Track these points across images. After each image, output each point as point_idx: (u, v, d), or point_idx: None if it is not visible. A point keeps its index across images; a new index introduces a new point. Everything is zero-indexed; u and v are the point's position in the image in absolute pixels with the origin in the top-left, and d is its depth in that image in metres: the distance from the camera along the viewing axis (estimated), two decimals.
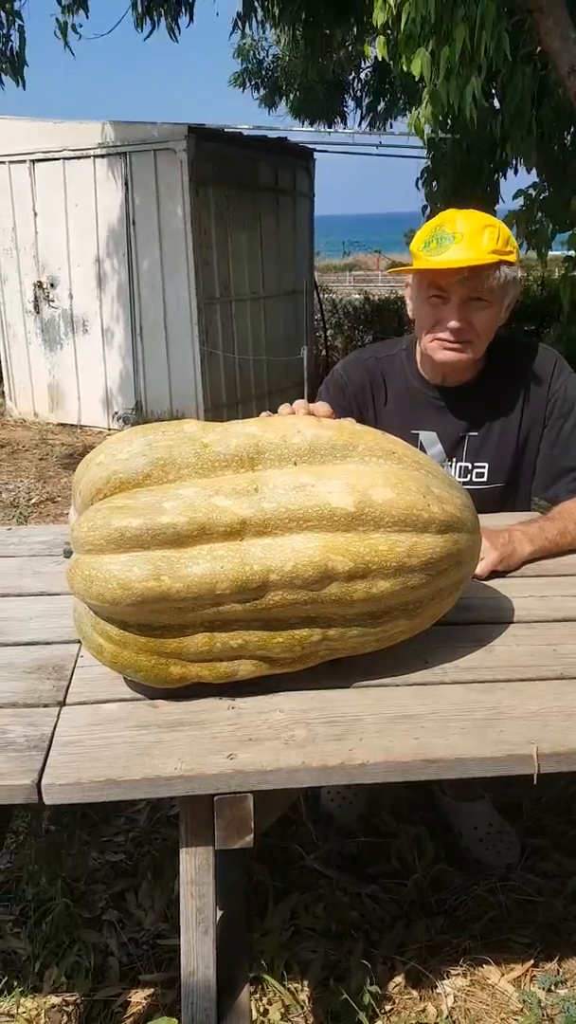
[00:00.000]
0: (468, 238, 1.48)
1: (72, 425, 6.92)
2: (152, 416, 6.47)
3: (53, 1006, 1.50)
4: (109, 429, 6.70)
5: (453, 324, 1.54)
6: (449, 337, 1.56)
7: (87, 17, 5.28)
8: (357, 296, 11.72)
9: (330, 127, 7.95)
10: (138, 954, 1.62)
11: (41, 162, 6.44)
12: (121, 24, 5.88)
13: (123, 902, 1.75)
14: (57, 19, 5.14)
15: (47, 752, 0.99)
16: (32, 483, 5.36)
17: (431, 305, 1.57)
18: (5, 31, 4.89)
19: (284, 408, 1.24)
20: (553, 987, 1.50)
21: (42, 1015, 1.48)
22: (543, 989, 1.50)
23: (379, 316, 9.69)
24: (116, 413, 6.66)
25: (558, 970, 1.56)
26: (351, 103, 7.40)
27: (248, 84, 8.08)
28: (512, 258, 1.51)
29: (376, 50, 4.03)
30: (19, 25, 4.97)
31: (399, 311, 9.34)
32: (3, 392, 7.43)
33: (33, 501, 4.99)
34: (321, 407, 1.23)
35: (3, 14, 4.84)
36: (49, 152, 6.37)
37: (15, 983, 1.53)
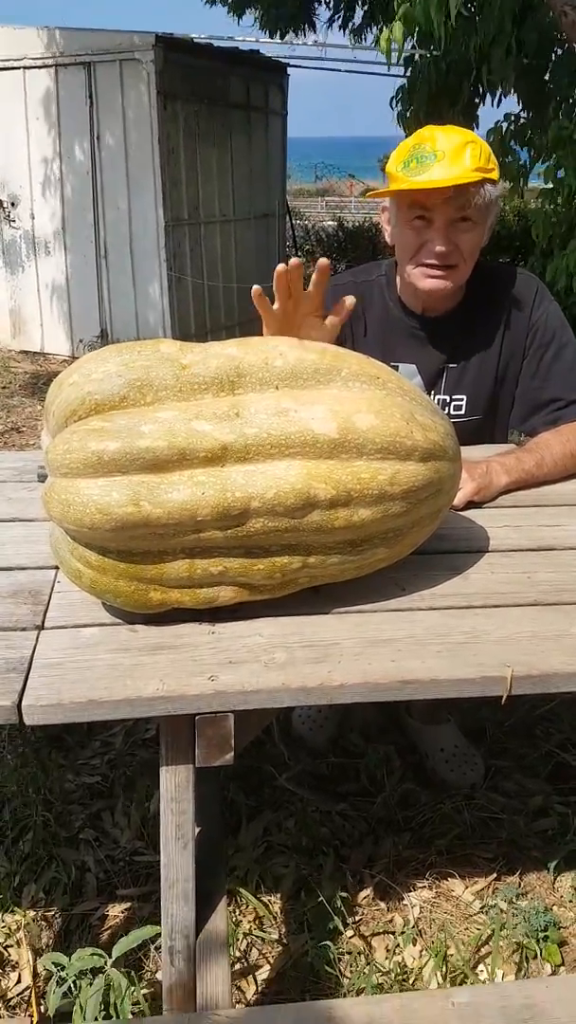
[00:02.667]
0: (451, 155, 1.43)
1: (35, 352, 6.74)
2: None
3: (32, 920, 1.54)
4: (73, 357, 6.53)
5: (439, 248, 1.50)
6: (434, 262, 1.52)
7: None
8: (330, 223, 11.45)
9: (299, 34, 7.57)
10: (115, 870, 1.66)
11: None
12: None
13: (99, 821, 1.79)
14: None
15: (27, 674, 0.99)
16: None
17: (414, 229, 1.52)
18: None
19: (279, 268, 1.22)
20: (515, 899, 1.58)
21: (21, 929, 1.52)
22: (505, 900, 1.57)
23: (353, 243, 9.48)
24: (81, 340, 6.49)
25: (519, 883, 1.64)
26: (323, 11, 7.03)
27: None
28: (495, 175, 1.47)
29: None
30: None
31: (374, 238, 9.15)
32: None
33: None
34: (323, 261, 1.23)
35: None
36: (8, 60, 6.02)
37: None
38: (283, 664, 1.01)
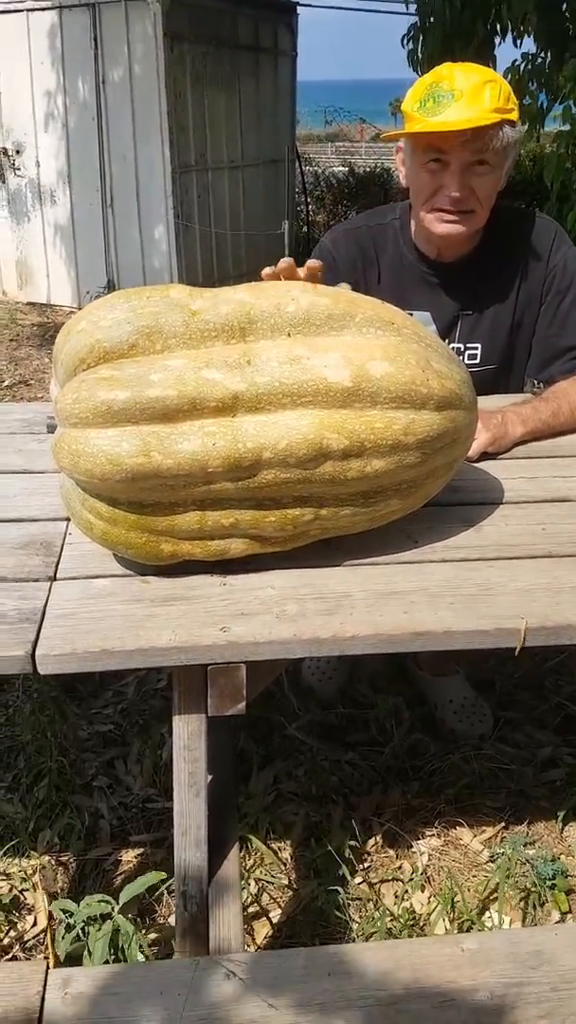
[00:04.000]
0: (468, 95, 1.37)
1: (42, 304, 6.66)
2: None
3: (46, 865, 1.57)
4: (80, 307, 6.45)
5: (455, 192, 1.45)
6: (450, 207, 1.47)
7: None
8: (341, 168, 11.17)
9: None
10: (128, 816, 1.68)
11: (2, 14, 5.91)
12: None
13: (112, 769, 1.81)
14: None
15: (40, 624, 0.99)
16: (3, 365, 5.20)
17: (429, 172, 1.47)
18: None
19: (267, 272, 1.13)
20: (522, 847, 1.60)
21: (36, 874, 1.55)
22: (512, 848, 1.59)
23: (364, 189, 9.24)
24: (87, 292, 6.40)
25: (527, 832, 1.66)
26: None
27: None
28: (514, 116, 1.41)
29: None
30: None
31: (385, 184, 8.94)
32: None
33: (6, 383, 4.85)
34: (313, 263, 1.12)
35: None
36: (10, 3, 5.82)
37: (9, 845, 1.59)
38: (294, 616, 1.01)
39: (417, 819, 1.68)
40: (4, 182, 6.45)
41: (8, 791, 1.75)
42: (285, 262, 1.12)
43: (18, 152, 6.29)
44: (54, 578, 1.10)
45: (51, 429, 1.09)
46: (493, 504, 1.30)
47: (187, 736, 1.06)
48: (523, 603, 1.04)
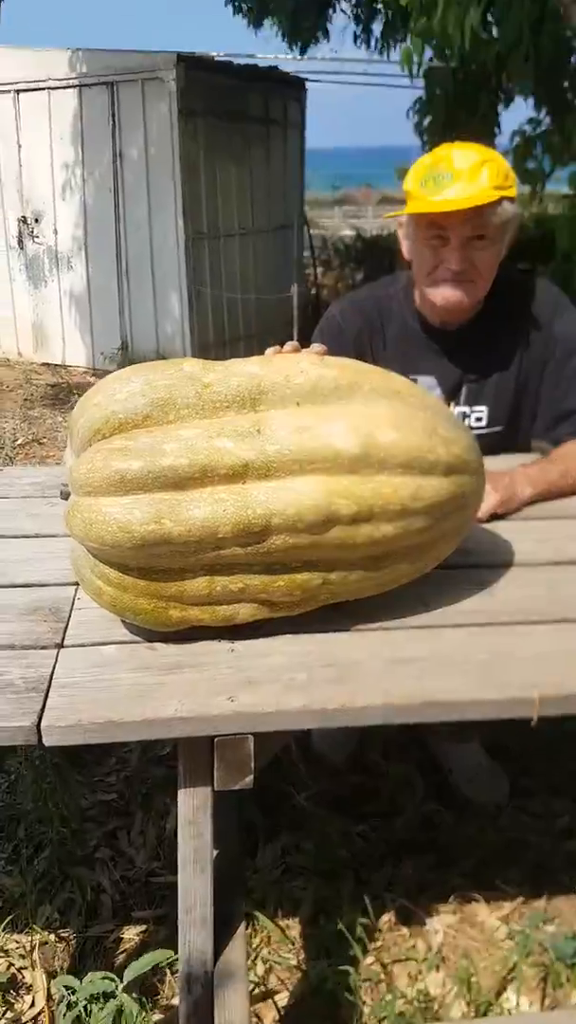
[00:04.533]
0: (467, 175, 1.41)
1: (56, 365, 6.79)
2: (138, 356, 6.33)
3: (46, 942, 1.52)
4: (94, 369, 6.58)
5: (455, 266, 1.48)
6: (450, 279, 1.50)
7: None
8: (348, 232, 11.46)
9: (315, 43, 7.61)
10: (130, 891, 1.64)
11: (25, 92, 6.17)
12: None
13: (115, 840, 1.77)
14: None
15: (46, 694, 0.98)
16: (17, 424, 5.27)
17: (430, 247, 1.51)
18: None
19: (271, 351, 1.16)
20: (541, 924, 1.54)
21: (36, 950, 1.50)
22: (532, 926, 1.53)
23: (371, 253, 9.47)
24: (101, 353, 6.53)
25: (546, 908, 1.59)
26: (341, 17, 7.05)
27: (239, 10, 7.71)
28: (512, 192, 1.45)
29: None
30: None
31: (391, 247, 9.13)
32: None
33: (19, 442, 4.91)
34: (316, 347, 1.16)
35: None
36: (34, 82, 6.09)
37: (8, 920, 1.55)
38: (304, 684, 0.99)
39: (431, 894, 1.62)
40: (23, 248, 6.64)
41: (8, 862, 1.70)
42: (291, 346, 1.15)
43: (36, 220, 6.49)
44: (61, 645, 1.09)
45: (64, 496, 1.09)
46: (504, 566, 1.29)
47: (192, 810, 1.04)
48: (538, 670, 1.03)
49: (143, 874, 1.68)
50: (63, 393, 6.01)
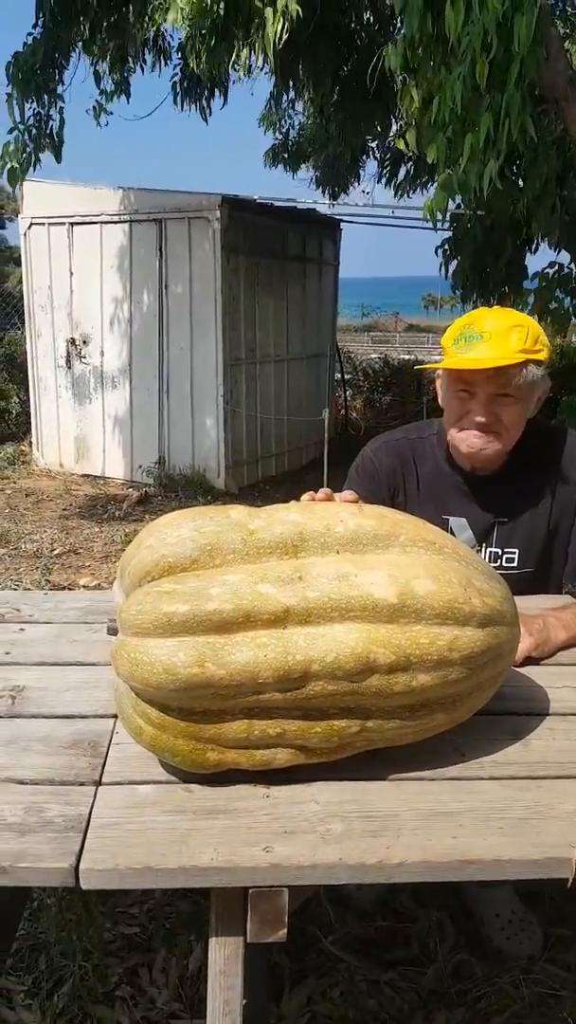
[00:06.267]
0: (496, 337, 1.52)
1: (96, 476, 7.01)
2: (174, 470, 6.55)
3: None
4: (132, 481, 6.79)
5: (479, 419, 1.57)
6: (475, 431, 1.59)
7: (128, 102, 5.57)
8: (375, 356, 11.90)
9: (347, 189, 8.25)
10: None
11: (79, 225, 6.67)
12: (154, 100, 6.14)
13: (136, 978, 1.72)
14: (97, 102, 5.43)
15: (84, 834, 0.99)
16: (55, 534, 5.40)
17: (459, 399, 1.60)
18: (47, 111, 5.15)
19: (306, 497, 1.25)
20: None
21: None
22: None
23: (398, 379, 9.81)
24: (140, 466, 6.75)
25: None
26: (372, 165, 7.75)
27: (279, 161, 8.41)
28: (542, 356, 1.54)
29: (406, 142, 4.19)
30: (60, 107, 5.22)
31: (418, 374, 9.47)
32: (31, 443, 7.55)
33: (56, 552, 5.02)
34: (347, 495, 1.26)
35: (46, 96, 5.10)
36: (87, 216, 6.59)
37: None
38: (339, 836, 1.00)
39: None
40: (70, 368, 7.00)
41: (27, 995, 1.66)
42: (323, 493, 1.25)
43: (85, 343, 6.87)
44: (99, 782, 1.11)
45: (111, 632, 1.14)
46: (539, 715, 1.29)
47: (223, 961, 1.03)
48: (574, 828, 1.02)
49: (164, 1016, 1.62)
50: (100, 503, 6.18)
